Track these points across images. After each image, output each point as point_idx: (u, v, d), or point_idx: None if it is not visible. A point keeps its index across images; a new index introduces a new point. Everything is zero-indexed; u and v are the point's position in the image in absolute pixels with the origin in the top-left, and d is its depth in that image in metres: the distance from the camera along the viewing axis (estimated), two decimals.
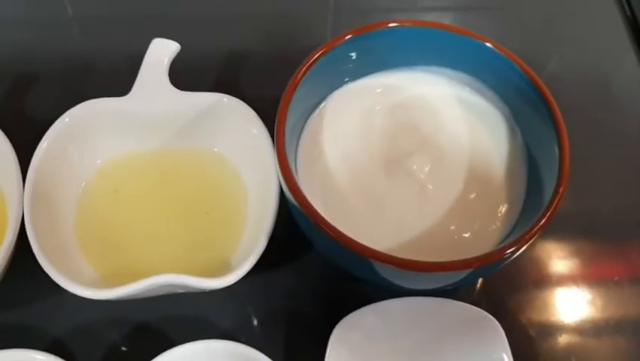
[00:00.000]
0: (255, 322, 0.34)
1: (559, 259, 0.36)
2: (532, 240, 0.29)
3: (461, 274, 0.29)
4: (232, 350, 0.29)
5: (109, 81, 0.41)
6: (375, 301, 0.31)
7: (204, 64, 0.43)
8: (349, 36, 0.32)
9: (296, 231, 0.32)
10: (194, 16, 0.46)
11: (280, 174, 0.30)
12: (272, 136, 0.34)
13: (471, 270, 0.28)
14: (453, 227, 0.31)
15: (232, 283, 0.30)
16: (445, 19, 0.49)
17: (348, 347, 0.29)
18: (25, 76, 0.42)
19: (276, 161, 0.30)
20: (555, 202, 0.29)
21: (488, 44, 0.33)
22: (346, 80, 0.35)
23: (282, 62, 0.44)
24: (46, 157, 0.33)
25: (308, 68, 0.31)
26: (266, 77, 0.43)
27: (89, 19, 0.46)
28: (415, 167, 0.32)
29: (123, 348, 0.33)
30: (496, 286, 0.35)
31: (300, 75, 0.31)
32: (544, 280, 0.35)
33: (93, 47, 0.43)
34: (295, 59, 0.44)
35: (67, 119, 0.33)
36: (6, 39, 0.44)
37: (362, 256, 0.28)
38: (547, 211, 0.29)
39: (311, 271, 0.35)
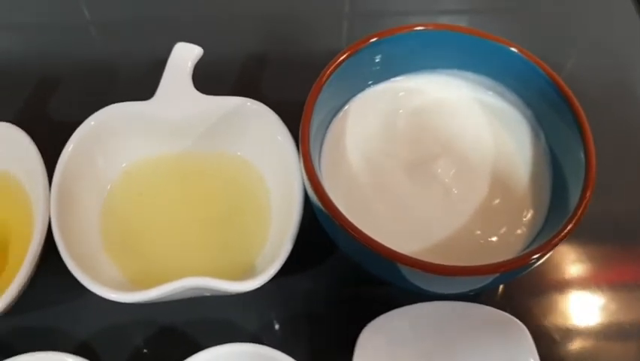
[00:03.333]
0: (280, 325, 0.34)
1: (582, 262, 0.36)
2: (559, 245, 0.29)
3: (487, 279, 0.29)
4: (259, 353, 0.29)
5: (130, 85, 0.42)
6: (398, 305, 0.31)
7: (221, 67, 0.43)
8: (374, 39, 0.32)
9: (319, 234, 0.32)
10: (206, 19, 0.46)
11: (306, 178, 0.30)
12: (295, 139, 0.34)
13: (497, 275, 0.29)
14: (478, 232, 0.31)
15: (259, 286, 0.30)
16: (461, 21, 0.50)
17: (374, 351, 0.29)
18: (47, 80, 0.42)
19: (302, 164, 0.30)
20: (582, 208, 0.29)
21: (513, 49, 0.32)
22: (370, 83, 0.35)
23: (299, 65, 0.45)
24: (72, 160, 0.33)
25: (333, 70, 0.32)
26: (284, 80, 0.43)
27: (109, 24, 0.46)
28: (439, 170, 0.32)
29: (149, 351, 0.33)
30: (519, 289, 0.35)
31: (325, 77, 0.31)
32: (567, 284, 0.35)
33: (114, 52, 0.44)
34: (312, 62, 0.44)
35: (92, 123, 0.34)
36: (28, 43, 0.44)
37: (389, 259, 0.28)
38: (574, 217, 0.28)
39: (335, 275, 0.35)
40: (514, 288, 0.35)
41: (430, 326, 0.30)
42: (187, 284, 0.29)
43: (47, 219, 0.31)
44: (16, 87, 0.42)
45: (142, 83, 0.40)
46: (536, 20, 0.48)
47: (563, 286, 0.35)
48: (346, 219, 0.28)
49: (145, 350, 0.33)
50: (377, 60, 0.34)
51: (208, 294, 0.32)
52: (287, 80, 0.43)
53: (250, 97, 0.36)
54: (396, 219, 0.32)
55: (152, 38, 0.44)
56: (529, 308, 0.34)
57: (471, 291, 0.31)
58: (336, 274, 0.35)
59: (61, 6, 0.47)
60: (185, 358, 0.30)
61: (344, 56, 0.32)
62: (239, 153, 0.36)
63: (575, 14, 0.48)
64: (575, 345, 0.34)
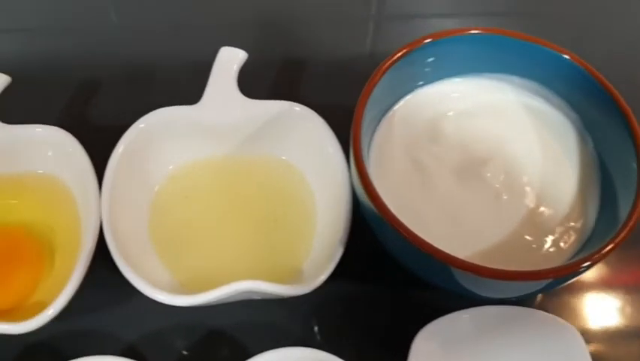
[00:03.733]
0: (328, 329, 0.34)
1: (630, 264, 0.36)
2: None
3: (540, 284, 0.29)
4: (318, 358, 0.29)
5: (170, 89, 0.41)
6: (446, 309, 0.31)
7: (254, 71, 0.44)
8: (429, 40, 0.32)
9: (365, 238, 0.32)
10: (226, 25, 0.46)
11: (357, 180, 0.30)
12: (340, 143, 0.34)
13: (550, 280, 0.29)
14: (528, 237, 0.31)
15: (311, 290, 0.30)
16: (492, 24, 0.50)
17: (428, 357, 0.29)
18: (88, 84, 0.42)
19: (353, 166, 0.30)
20: (635, 216, 0.28)
21: (564, 55, 0.32)
22: (420, 83, 0.35)
23: (328, 69, 0.45)
24: (122, 162, 0.33)
25: (387, 69, 0.32)
26: (316, 84, 0.43)
27: (147, 28, 0.46)
28: (488, 175, 0.32)
29: (196, 355, 0.33)
30: (567, 293, 0.35)
31: (378, 75, 0.31)
32: (616, 286, 0.35)
33: (154, 56, 0.44)
34: (340, 65, 0.45)
35: (141, 125, 0.34)
36: (69, 47, 0.44)
37: (444, 263, 0.27)
38: (627, 225, 0.28)
39: (382, 279, 0.35)
40: (561, 291, 0.35)
41: (483, 331, 0.30)
42: (241, 288, 0.29)
43: (99, 222, 0.31)
44: (56, 91, 0.41)
45: (182, 88, 0.40)
46: (566, 21, 0.48)
47: (612, 288, 0.35)
48: (400, 222, 0.28)
49: (192, 354, 0.33)
50: (429, 61, 0.34)
51: (257, 297, 0.32)
52: (319, 83, 0.43)
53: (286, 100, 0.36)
54: (445, 224, 0.31)
55: (189, 43, 0.44)
56: (578, 311, 0.34)
57: (523, 296, 0.31)
58: (383, 279, 0.35)
59: (102, 10, 0.47)
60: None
61: (399, 54, 0.32)
62: (284, 157, 0.36)
63: (604, 14, 0.48)
64: (627, 348, 0.34)
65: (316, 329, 0.34)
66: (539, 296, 0.35)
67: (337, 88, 0.43)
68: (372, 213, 0.30)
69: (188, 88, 0.38)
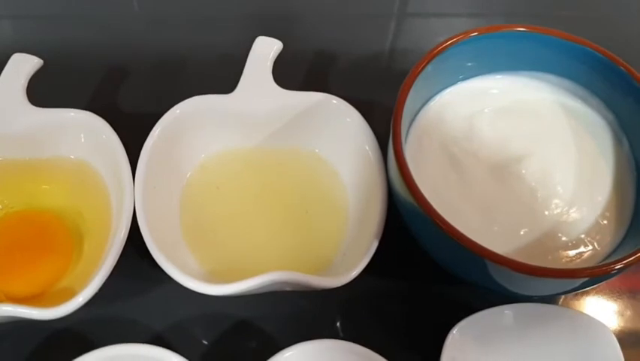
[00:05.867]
0: (358, 324, 0.33)
1: None
2: None
3: (575, 283, 0.29)
4: (346, 349, 0.28)
5: (201, 79, 0.41)
6: (479, 307, 0.31)
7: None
8: (474, 34, 0.32)
9: (396, 234, 0.32)
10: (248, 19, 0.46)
11: (397, 176, 0.29)
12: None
13: (586, 279, 0.28)
14: (562, 236, 0.31)
15: (346, 283, 0.30)
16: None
17: (461, 353, 0.29)
18: (118, 71, 0.42)
19: (392, 161, 0.30)
20: None
21: (604, 55, 0.32)
22: (460, 77, 0.35)
23: (355, 63, 0.45)
24: (156, 148, 0.33)
25: (430, 60, 0.31)
26: (340, 77, 0.43)
27: (179, 17, 0.46)
28: (523, 171, 0.32)
29: (225, 345, 0.33)
30: (598, 292, 0.35)
31: (420, 66, 0.31)
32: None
33: (185, 45, 0.44)
34: (359, 62, 0.44)
35: (177, 111, 0.34)
36: (99, 34, 0.44)
37: (483, 257, 0.27)
38: None
39: (414, 276, 0.35)
40: (592, 289, 0.35)
41: (517, 328, 0.30)
42: (276, 278, 0.28)
43: (132, 208, 0.31)
44: (84, 78, 0.41)
45: (210, 78, 0.40)
46: (598, 21, 0.47)
47: (631, 288, 0.35)
48: (441, 217, 0.28)
49: (220, 345, 0.33)
50: (471, 55, 0.33)
51: (288, 288, 0.31)
52: (340, 77, 0.43)
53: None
54: (480, 220, 0.31)
55: (221, 33, 0.44)
56: (610, 310, 0.34)
57: (557, 294, 0.31)
58: (415, 275, 0.35)
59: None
60: (263, 353, 0.29)
61: (443, 45, 0.32)
62: (316, 150, 0.36)
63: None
64: None
65: (346, 322, 0.34)
66: (580, 295, 0.35)
67: (358, 83, 0.43)
68: (410, 208, 0.29)
69: (216, 78, 0.38)
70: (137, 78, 0.42)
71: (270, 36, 0.36)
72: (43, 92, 0.35)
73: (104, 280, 0.29)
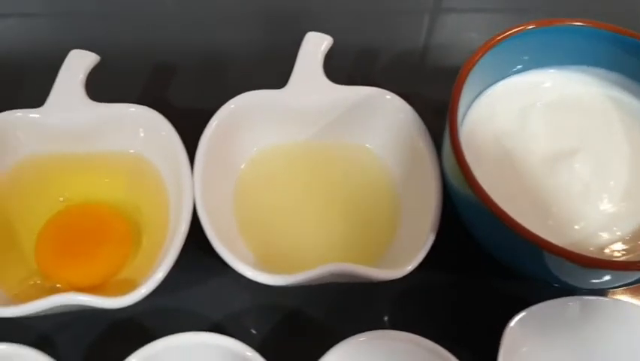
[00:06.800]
0: (409, 316, 0.34)
1: None
2: None
3: (632, 276, 0.29)
4: (405, 339, 0.29)
5: (249, 75, 0.42)
6: (534, 300, 0.31)
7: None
8: (532, 26, 0.32)
9: (448, 226, 0.32)
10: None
11: (455, 166, 0.29)
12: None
13: None
14: (617, 230, 0.31)
15: (403, 275, 0.30)
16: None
17: (520, 344, 0.29)
18: (166, 67, 0.43)
19: (449, 154, 0.30)
20: None
21: None
22: (515, 69, 0.35)
23: (392, 58, 0.45)
24: (212, 143, 0.33)
25: (489, 49, 0.32)
26: (383, 71, 0.43)
27: (226, 15, 0.46)
28: (576, 165, 0.32)
29: (282, 336, 0.33)
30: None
31: (477, 56, 0.31)
32: None
33: (232, 42, 0.44)
34: (401, 55, 0.45)
35: (232, 106, 0.34)
36: (146, 31, 0.45)
37: (540, 248, 0.27)
38: None
39: (468, 269, 0.35)
40: None
41: (577, 320, 0.30)
42: (334, 269, 0.29)
43: (192, 202, 0.31)
44: (136, 74, 0.42)
45: (258, 73, 0.41)
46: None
47: None
48: (501, 210, 0.28)
49: (277, 335, 0.33)
50: (526, 48, 0.34)
51: (343, 280, 0.32)
52: (382, 71, 0.43)
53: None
54: (534, 213, 0.31)
55: (265, 28, 0.45)
56: None
57: (613, 287, 0.31)
58: (468, 267, 0.35)
59: None
60: (318, 344, 0.30)
61: (499, 38, 0.32)
62: (366, 144, 0.36)
63: None
64: None
65: (397, 314, 0.34)
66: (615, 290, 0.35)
67: (395, 77, 0.43)
68: (467, 200, 0.30)
69: (261, 74, 0.38)
70: (183, 75, 0.42)
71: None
72: (93, 87, 0.36)
73: (167, 272, 0.30)
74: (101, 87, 0.37)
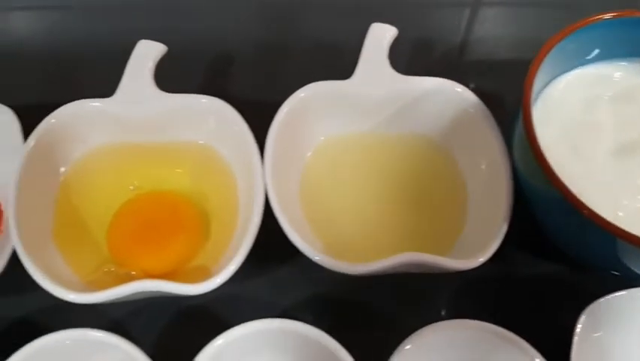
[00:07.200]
0: (478, 307, 0.34)
1: None
2: None
3: None
4: (481, 328, 0.29)
5: (307, 66, 0.42)
6: (603, 293, 0.31)
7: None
8: (609, 16, 0.32)
9: (517, 217, 0.32)
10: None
11: (529, 156, 0.30)
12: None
13: None
14: None
15: (477, 265, 0.30)
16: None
17: (593, 331, 0.29)
18: (224, 58, 0.43)
19: (523, 144, 0.30)
20: None
21: None
22: (583, 61, 0.35)
23: (434, 49, 0.45)
24: (280, 131, 0.33)
25: (560, 39, 0.31)
26: (427, 63, 0.43)
27: (283, 7, 0.46)
28: None
29: (351, 324, 0.34)
30: None
31: (548, 47, 0.31)
32: None
33: (288, 34, 0.44)
34: (443, 47, 0.44)
35: (301, 95, 0.34)
36: (203, 23, 0.45)
37: (614, 236, 0.27)
38: None
39: (538, 259, 0.35)
40: None
41: None
42: (408, 259, 0.29)
43: (264, 192, 0.32)
44: (194, 65, 0.42)
45: (318, 66, 0.41)
46: None
47: None
48: (579, 200, 0.28)
49: (346, 323, 0.34)
50: (599, 39, 0.33)
51: (413, 271, 0.32)
52: (427, 63, 0.43)
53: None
54: (605, 205, 0.31)
55: (316, 20, 0.45)
56: None
57: None
58: (537, 258, 0.35)
59: None
60: (389, 334, 0.30)
61: (574, 27, 0.32)
62: (431, 135, 0.36)
63: None
64: None
65: (466, 305, 0.34)
66: None
67: (439, 69, 0.43)
68: (541, 189, 0.30)
69: (324, 66, 0.38)
70: (246, 66, 0.42)
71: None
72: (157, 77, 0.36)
73: (241, 263, 0.30)
74: (164, 77, 0.37)
